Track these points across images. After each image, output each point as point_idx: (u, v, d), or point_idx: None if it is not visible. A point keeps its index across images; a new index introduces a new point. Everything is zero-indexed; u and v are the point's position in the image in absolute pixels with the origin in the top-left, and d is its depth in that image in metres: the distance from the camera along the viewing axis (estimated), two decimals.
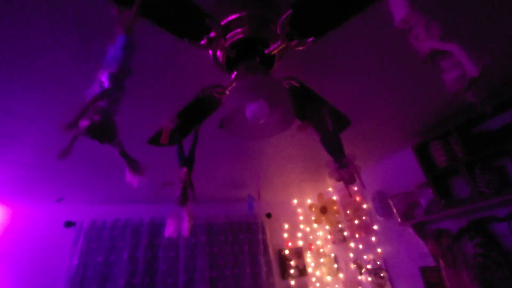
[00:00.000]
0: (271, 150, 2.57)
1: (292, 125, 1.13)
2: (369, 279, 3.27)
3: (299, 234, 4.12)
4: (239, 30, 1.09)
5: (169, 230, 1.25)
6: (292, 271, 3.75)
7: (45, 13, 1.07)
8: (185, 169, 1.28)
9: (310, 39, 1.07)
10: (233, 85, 1.21)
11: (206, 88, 1.27)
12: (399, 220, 2.77)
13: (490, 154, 1.99)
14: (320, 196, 4.06)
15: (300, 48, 1.11)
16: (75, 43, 1.20)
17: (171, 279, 3.13)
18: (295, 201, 4.38)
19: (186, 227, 1.24)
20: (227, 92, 1.29)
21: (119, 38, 0.76)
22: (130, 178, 0.81)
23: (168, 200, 3.37)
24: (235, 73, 1.21)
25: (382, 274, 3.15)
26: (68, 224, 3.03)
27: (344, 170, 1.30)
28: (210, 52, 1.14)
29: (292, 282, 3.69)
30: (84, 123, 0.65)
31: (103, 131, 0.68)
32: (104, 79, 0.70)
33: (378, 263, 3.21)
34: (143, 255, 3.11)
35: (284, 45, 1.09)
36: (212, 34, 1.03)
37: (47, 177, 2.46)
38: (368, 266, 3.33)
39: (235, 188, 3.40)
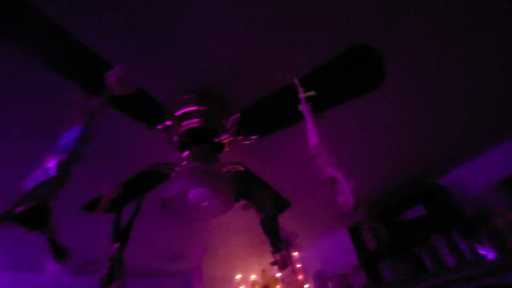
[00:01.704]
0: (216, 222, 2.55)
1: (230, 209, 1.22)
2: None
3: None
4: (193, 120, 1.25)
5: None
6: None
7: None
8: (117, 245, 1.22)
9: (255, 137, 1.26)
10: (182, 165, 1.30)
11: (157, 164, 1.34)
12: None
13: (407, 241, 2.26)
14: (263, 272, 3.92)
15: (246, 142, 1.29)
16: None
17: None
18: (238, 276, 4.13)
19: None
20: (177, 169, 1.37)
21: (75, 128, 0.82)
22: (51, 266, 0.76)
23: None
24: (186, 152, 1.31)
25: None
26: None
27: (278, 255, 1.37)
28: (163, 135, 1.26)
29: None
30: (18, 209, 0.64)
31: (36, 218, 0.67)
32: (51, 165, 0.72)
33: None
34: None
35: (232, 138, 1.26)
36: (168, 122, 1.16)
37: None
38: None
39: (172, 260, 3.15)
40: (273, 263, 1.39)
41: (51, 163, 0.72)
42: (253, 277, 4.14)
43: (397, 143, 1.90)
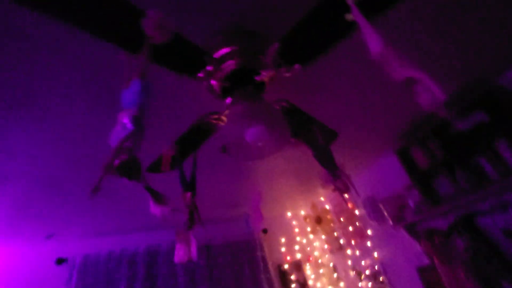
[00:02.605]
0: (264, 166, 2.64)
1: (288, 144, 1.22)
2: (369, 284, 3.32)
3: (297, 247, 4.14)
4: (231, 62, 1.19)
5: (179, 255, 1.27)
6: (293, 286, 3.74)
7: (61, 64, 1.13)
8: (189, 194, 1.32)
9: (298, 66, 1.18)
10: (229, 111, 1.29)
11: (203, 116, 1.35)
12: (391, 223, 2.87)
13: (465, 153, 2.16)
14: (313, 206, 4.13)
15: (288, 74, 1.22)
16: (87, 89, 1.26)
17: None
18: (289, 214, 4.42)
19: (194, 250, 1.26)
20: (223, 118, 1.37)
21: (134, 83, 0.82)
22: (154, 209, 0.85)
23: (163, 227, 3.32)
24: (229, 99, 1.29)
25: (381, 279, 3.21)
26: (60, 261, 2.91)
27: (338, 181, 1.39)
28: (205, 83, 1.23)
29: None
30: (115, 162, 0.70)
31: (131, 169, 0.73)
32: (126, 121, 0.75)
33: (376, 267, 3.28)
34: (141, 287, 3.02)
35: (273, 73, 1.19)
36: (209, 68, 1.11)
37: (36, 215, 2.39)
38: (367, 272, 3.38)
39: (230, 207, 3.42)
40: (334, 189, 1.42)
41: (125, 119, 0.75)
42: (302, 212, 4.41)
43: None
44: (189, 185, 1.36)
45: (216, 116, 1.36)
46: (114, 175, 0.73)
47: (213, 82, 1.21)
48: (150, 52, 0.84)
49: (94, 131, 1.59)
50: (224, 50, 1.18)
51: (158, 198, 0.85)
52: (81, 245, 3.07)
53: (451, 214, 2.46)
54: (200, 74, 1.13)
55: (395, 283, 3.09)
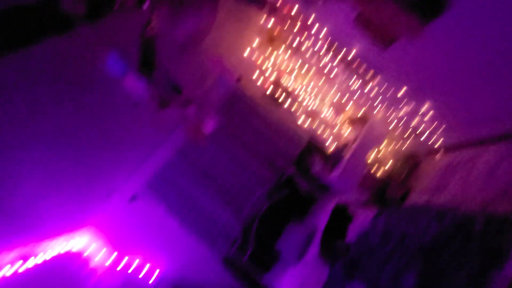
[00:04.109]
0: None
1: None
2: (329, 56, 4.16)
3: (268, 73, 4.80)
4: None
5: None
6: (281, 98, 4.71)
7: None
8: (180, 96, 1.73)
9: None
10: (154, 16, 1.48)
11: (141, 33, 1.55)
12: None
13: None
14: (260, 32, 4.45)
15: None
16: None
17: None
18: (246, 52, 4.80)
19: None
20: (153, 24, 1.57)
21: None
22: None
23: None
24: (146, 3, 1.46)
25: (335, 46, 3.98)
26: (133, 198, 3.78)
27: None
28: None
29: (287, 103, 4.74)
30: None
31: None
32: None
33: (327, 41, 3.98)
34: None
35: None
36: None
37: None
38: (323, 50, 4.13)
39: (201, 81, 3.83)
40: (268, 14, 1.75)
41: None
42: (254, 45, 4.75)
43: None
44: (175, 88, 1.75)
45: (148, 27, 1.56)
46: None
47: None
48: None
49: None
50: None
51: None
52: None
53: None
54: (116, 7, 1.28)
55: (344, 42, 3.87)
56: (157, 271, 3.57)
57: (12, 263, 2.38)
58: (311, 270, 2.94)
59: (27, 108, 1.85)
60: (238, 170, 4.42)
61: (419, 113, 3.81)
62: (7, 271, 2.31)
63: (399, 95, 3.77)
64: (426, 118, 3.78)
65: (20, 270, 2.43)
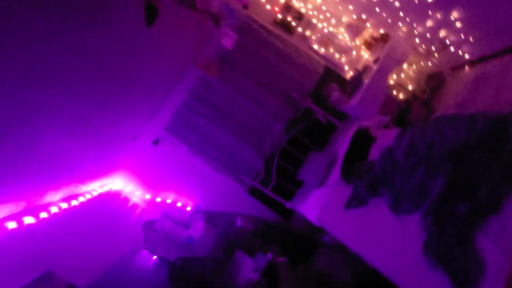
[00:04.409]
0: None
1: None
2: None
3: None
4: None
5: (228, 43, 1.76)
6: (293, 23, 4.34)
7: None
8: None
9: None
10: None
11: None
12: None
13: None
14: None
15: None
16: None
17: None
18: None
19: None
20: None
21: None
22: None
23: None
24: None
25: None
26: (156, 142, 3.91)
27: None
28: None
29: (300, 29, 4.38)
30: None
31: None
32: None
33: None
34: None
35: None
36: None
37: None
38: None
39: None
40: None
41: None
42: None
43: None
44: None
45: None
46: None
47: None
48: None
49: None
50: None
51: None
52: None
53: None
54: None
55: None
56: (190, 203, 3.87)
57: (60, 202, 2.62)
58: (334, 191, 3.06)
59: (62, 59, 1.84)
60: (254, 107, 4.37)
61: (447, 25, 3.42)
62: (57, 209, 2.56)
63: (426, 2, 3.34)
64: (453, 29, 3.41)
65: (67, 207, 2.67)
